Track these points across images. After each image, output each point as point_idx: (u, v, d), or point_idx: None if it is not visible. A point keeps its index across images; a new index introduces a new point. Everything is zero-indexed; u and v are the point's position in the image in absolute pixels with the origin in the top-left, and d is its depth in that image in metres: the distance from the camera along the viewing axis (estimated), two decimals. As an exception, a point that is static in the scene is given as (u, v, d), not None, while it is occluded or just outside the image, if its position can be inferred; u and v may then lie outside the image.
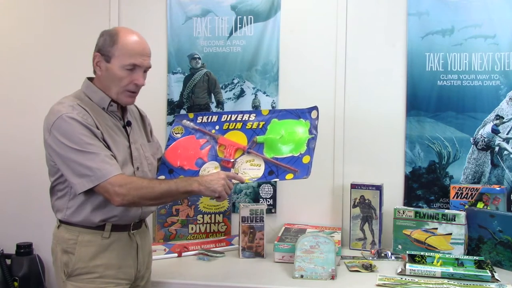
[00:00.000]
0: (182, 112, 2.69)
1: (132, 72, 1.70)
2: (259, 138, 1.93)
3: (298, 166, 1.86)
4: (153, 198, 1.65)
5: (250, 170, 1.89)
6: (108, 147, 1.68)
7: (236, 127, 1.96)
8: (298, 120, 1.95)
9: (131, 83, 1.72)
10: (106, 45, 1.70)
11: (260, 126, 1.96)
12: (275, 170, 1.88)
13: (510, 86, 2.41)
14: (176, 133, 1.99)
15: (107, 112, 1.75)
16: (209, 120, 1.99)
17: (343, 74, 2.57)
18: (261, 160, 1.90)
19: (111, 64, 1.69)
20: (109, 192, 1.60)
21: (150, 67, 1.76)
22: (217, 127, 1.97)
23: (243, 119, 1.97)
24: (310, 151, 1.89)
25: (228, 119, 1.98)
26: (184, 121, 2.00)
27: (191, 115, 2.01)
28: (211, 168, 1.89)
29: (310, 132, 1.92)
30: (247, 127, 1.96)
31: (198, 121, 2.00)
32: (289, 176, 1.86)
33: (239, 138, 1.95)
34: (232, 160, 1.90)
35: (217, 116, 1.99)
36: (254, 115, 1.98)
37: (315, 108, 1.96)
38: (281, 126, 1.94)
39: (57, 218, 1.75)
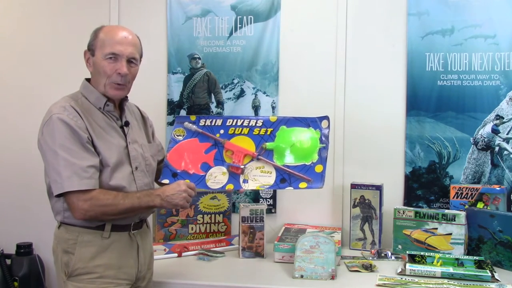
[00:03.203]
0: (182, 112, 2.69)
1: (114, 61, 1.70)
2: (269, 145, 1.91)
3: (311, 175, 1.83)
4: (116, 214, 1.67)
5: (261, 177, 1.86)
6: (96, 150, 1.67)
7: (242, 132, 1.94)
8: (308, 129, 1.93)
9: (114, 73, 1.71)
10: (91, 40, 1.74)
11: (268, 133, 1.93)
12: (287, 178, 1.85)
13: (510, 86, 2.41)
14: (177, 135, 1.97)
15: (103, 112, 1.75)
16: (213, 124, 1.97)
17: (343, 74, 2.57)
18: (271, 167, 1.87)
19: (95, 57, 1.72)
20: (72, 205, 1.63)
21: (133, 57, 1.74)
22: (221, 131, 1.95)
23: (250, 124, 1.95)
24: (322, 160, 1.86)
25: (233, 124, 1.96)
26: (186, 123, 1.98)
27: (193, 118, 1.99)
28: (218, 173, 1.88)
29: (321, 141, 1.89)
30: (254, 133, 1.94)
31: (201, 124, 1.97)
32: (303, 185, 1.83)
33: (246, 144, 1.92)
34: (242, 167, 1.88)
35: (221, 120, 1.97)
36: (262, 121, 1.95)
37: (326, 117, 1.94)
38: (290, 134, 1.92)
39: (57, 219, 1.75)
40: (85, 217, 1.63)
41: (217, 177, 1.87)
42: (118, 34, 1.72)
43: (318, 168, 1.85)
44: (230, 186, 1.87)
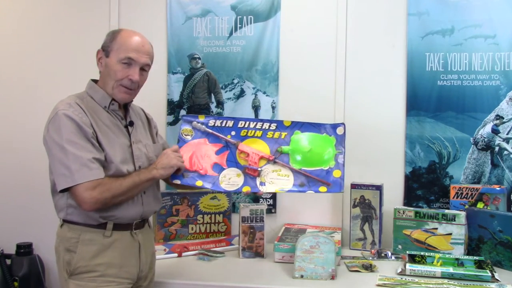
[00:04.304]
0: (182, 112, 2.69)
1: (128, 67, 1.74)
2: (285, 149, 1.89)
3: (329, 180, 1.84)
4: (123, 193, 1.68)
5: (278, 180, 1.85)
6: (101, 146, 1.69)
7: (255, 135, 1.92)
8: (323, 135, 1.91)
9: (126, 78, 1.74)
10: (107, 41, 1.76)
11: (283, 137, 1.91)
12: (305, 181, 1.84)
13: (510, 86, 2.41)
14: (185, 135, 1.93)
15: (108, 111, 1.78)
16: (223, 125, 1.93)
17: (343, 74, 2.57)
18: (288, 170, 1.86)
19: (109, 59, 1.74)
20: (81, 197, 1.63)
21: (147, 64, 1.78)
22: (233, 133, 1.92)
23: (263, 127, 1.92)
24: (340, 166, 1.86)
25: (246, 126, 1.93)
26: (195, 123, 1.94)
27: (201, 117, 1.95)
28: (232, 175, 1.86)
29: (336, 147, 1.89)
30: (267, 136, 1.91)
31: (210, 125, 1.94)
32: (323, 189, 1.83)
33: (260, 147, 1.90)
34: (259, 169, 1.86)
35: (232, 122, 1.93)
36: (275, 125, 1.93)
37: (342, 124, 1.93)
38: (306, 139, 1.90)
39: (59, 217, 1.76)
40: (96, 205, 1.64)
41: (232, 178, 1.86)
42: (135, 41, 1.75)
43: (337, 173, 1.86)
44: (247, 188, 1.84)
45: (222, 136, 1.92)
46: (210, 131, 1.93)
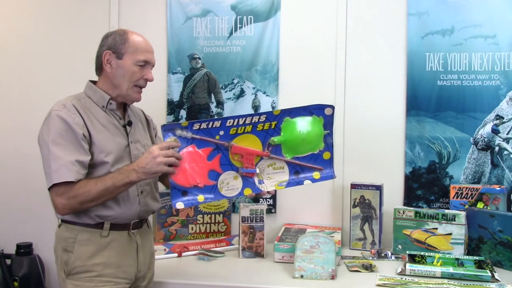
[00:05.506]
0: (182, 112, 2.69)
1: (142, 68, 1.78)
2: (277, 139, 1.83)
3: (320, 164, 1.84)
4: (92, 200, 1.65)
5: (275, 174, 1.83)
6: (94, 146, 1.69)
7: (246, 131, 1.82)
8: (312, 117, 1.86)
9: (142, 79, 1.78)
10: (117, 43, 1.77)
11: (273, 126, 1.83)
12: (300, 170, 1.84)
13: (510, 86, 2.41)
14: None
15: (105, 111, 1.78)
16: (209, 126, 1.79)
17: (343, 74, 2.57)
18: (282, 162, 1.84)
19: (123, 61, 1.76)
20: (53, 201, 1.66)
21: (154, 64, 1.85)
22: (221, 133, 1.80)
23: (253, 121, 1.83)
24: (329, 147, 1.85)
25: (235, 124, 1.80)
26: (179, 131, 1.75)
27: (184, 124, 1.77)
28: (230, 179, 1.80)
29: (325, 128, 1.86)
30: (258, 128, 1.83)
31: (195, 129, 1.77)
32: (316, 175, 1.84)
33: (252, 142, 1.82)
34: (258, 172, 1.81)
35: (220, 122, 1.79)
36: (265, 116, 1.83)
37: (330, 106, 1.86)
38: (295, 124, 1.85)
39: (57, 217, 1.76)
40: (65, 210, 1.66)
41: (230, 183, 1.80)
42: (146, 42, 1.81)
43: (326, 155, 1.85)
44: (248, 191, 1.81)
45: (210, 139, 1.80)
46: (198, 136, 1.77)
